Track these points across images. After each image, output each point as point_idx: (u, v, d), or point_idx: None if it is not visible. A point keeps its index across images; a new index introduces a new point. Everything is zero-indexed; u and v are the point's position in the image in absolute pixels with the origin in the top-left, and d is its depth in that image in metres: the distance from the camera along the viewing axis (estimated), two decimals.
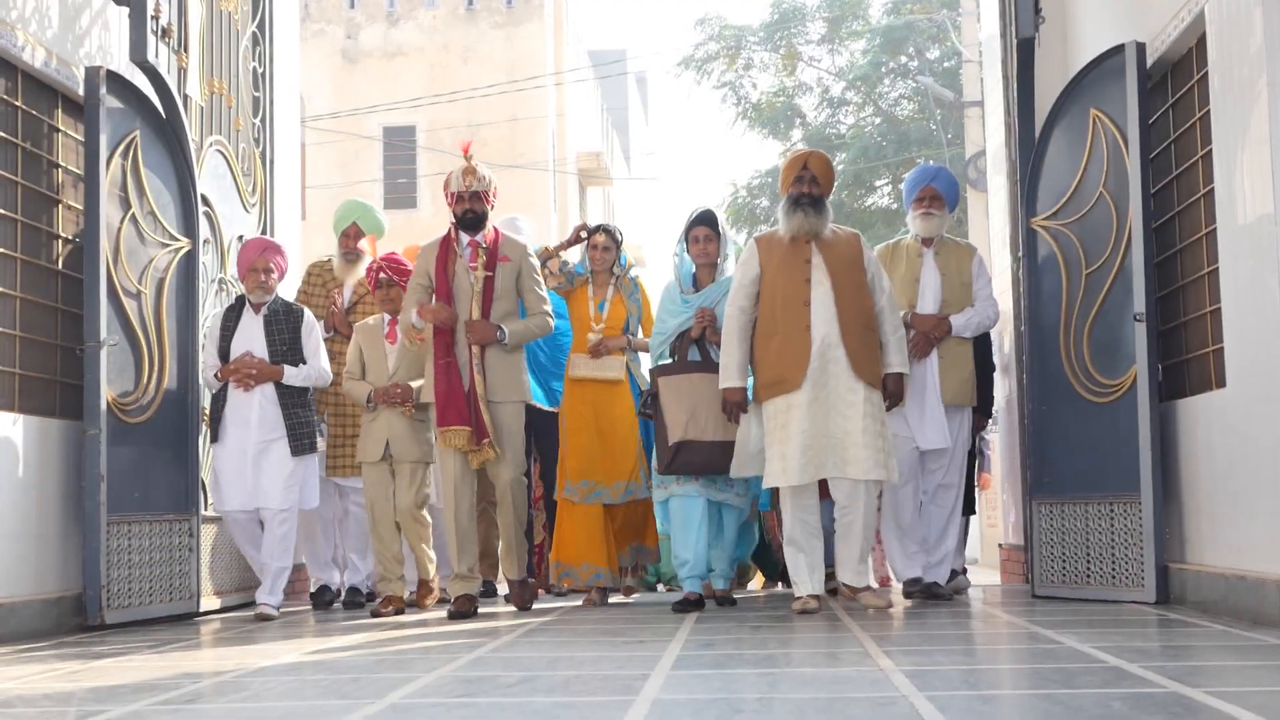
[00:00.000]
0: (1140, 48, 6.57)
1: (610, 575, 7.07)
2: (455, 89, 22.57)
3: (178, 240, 7.14)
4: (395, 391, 7.19)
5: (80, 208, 6.73)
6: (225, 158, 7.80)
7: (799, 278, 6.26)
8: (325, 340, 7.51)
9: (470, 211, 6.84)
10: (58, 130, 6.72)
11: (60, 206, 6.70)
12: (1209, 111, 6.03)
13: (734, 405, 6.34)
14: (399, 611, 7.04)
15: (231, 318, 7.16)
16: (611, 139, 31.53)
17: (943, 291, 7.03)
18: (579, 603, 7.32)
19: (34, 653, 5.43)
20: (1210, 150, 6.03)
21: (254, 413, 7.00)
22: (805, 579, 6.25)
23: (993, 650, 4.87)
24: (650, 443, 6.96)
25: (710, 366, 6.63)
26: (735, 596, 7.14)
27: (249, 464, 6.94)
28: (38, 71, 6.46)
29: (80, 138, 6.78)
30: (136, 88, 6.88)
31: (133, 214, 6.80)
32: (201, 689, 4.09)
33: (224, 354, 7.06)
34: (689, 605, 6.58)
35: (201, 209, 7.34)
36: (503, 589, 7.92)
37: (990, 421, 7.67)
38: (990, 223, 9.81)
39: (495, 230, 6.99)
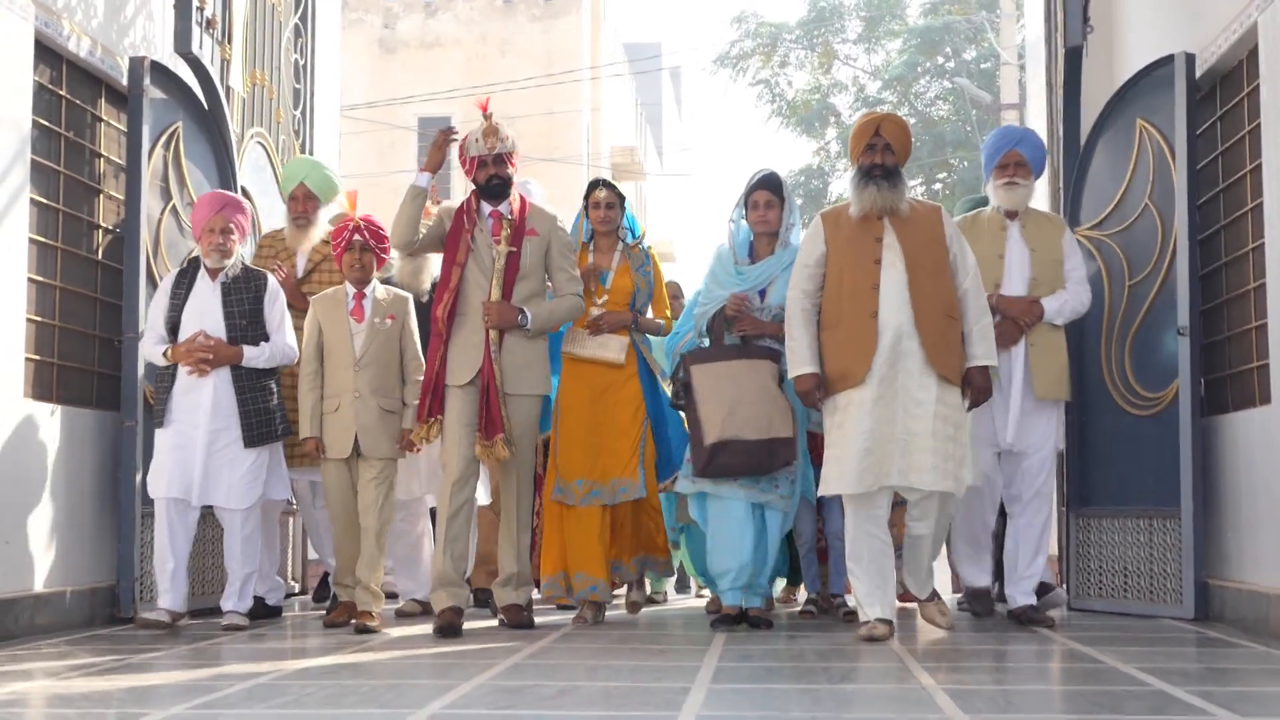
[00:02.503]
0: (1190, 58, 6.51)
1: (605, 588, 6.19)
2: (492, 81, 22.57)
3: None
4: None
5: (121, 198, 6.72)
6: (265, 150, 7.80)
7: (867, 259, 5.51)
8: None
9: (495, 178, 5.93)
10: (100, 120, 6.71)
11: (101, 196, 6.69)
12: (1259, 125, 5.97)
13: (809, 394, 5.53)
14: (352, 622, 6.09)
15: (183, 284, 6.17)
16: (645, 133, 31.51)
17: (1031, 269, 6.18)
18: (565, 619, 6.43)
19: (69, 647, 5.43)
20: (1260, 164, 5.97)
21: (205, 398, 6.03)
22: (872, 601, 5.47)
23: (1036, 669, 4.82)
24: (662, 435, 6.32)
25: (753, 352, 5.92)
26: (772, 618, 6.13)
27: (196, 454, 6.00)
28: (83, 61, 6.45)
29: (123, 128, 6.78)
30: (180, 78, 6.88)
31: (173, 205, 6.80)
32: (239, 693, 4.07)
33: (173, 326, 6.09)
34: (729, 621, 5.91)
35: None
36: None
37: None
38: None
39: (522, 199, 6.08)
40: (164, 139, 6.73)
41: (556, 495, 6.15)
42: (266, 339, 6.17)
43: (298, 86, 8.40)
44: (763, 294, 6.08)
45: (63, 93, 6.39)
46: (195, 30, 6.70)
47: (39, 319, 6.13)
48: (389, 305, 6.28)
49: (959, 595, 6.79)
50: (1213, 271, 6.58)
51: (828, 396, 5.50)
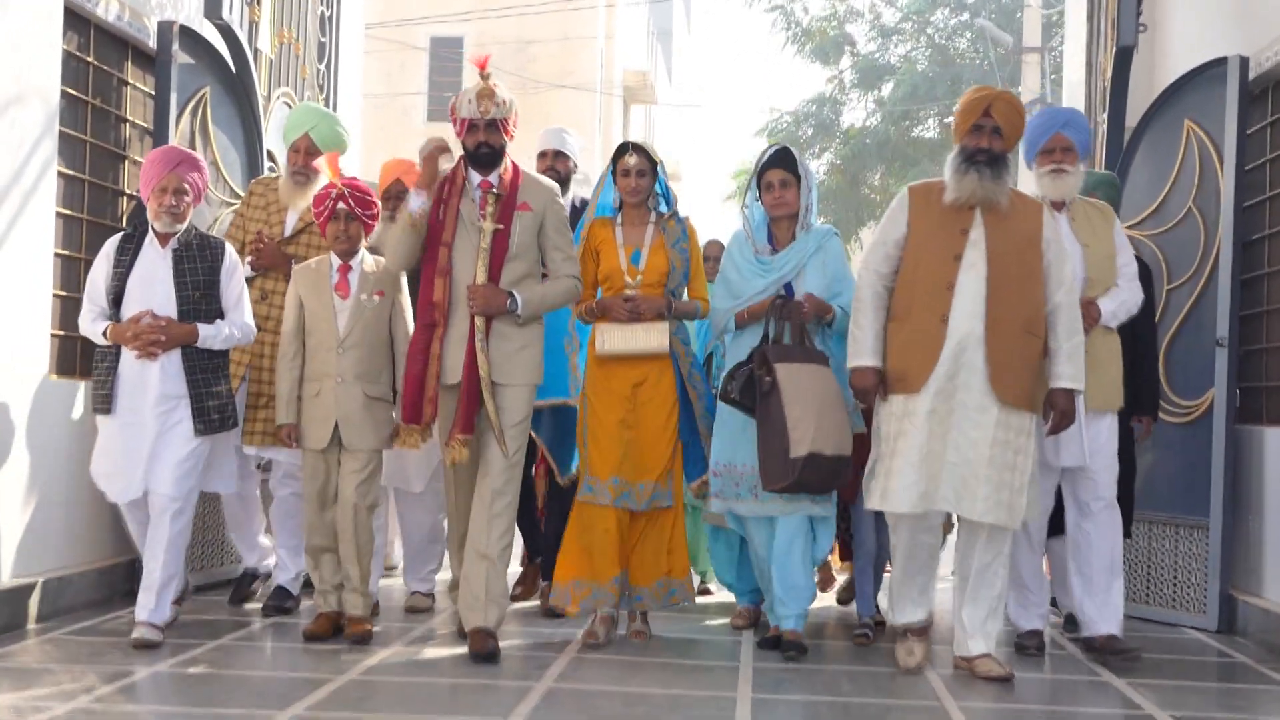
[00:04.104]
0: (1244, 62, 6.37)
1: (617, 598, 5.55)
2: (507, 2, 22.23)
3: (241, 199, 6.98)
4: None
5: None
6: (291, 109, 7.63)
7: (948, 252, 4.94)
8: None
9: (485, 145, 5.24)
10: (126, 83, 6.56)
11: (126, 163, 6.55)
12: None
13: (866, 391, 5.04)
14: (346, 634, 5.48)
15: (128, 250, 5.44)
16: (657, 55, 31.13)
17: (1085, 268, 5.45)
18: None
19: (105, 637, 5.36)
20: None
21: (153, 382, 5.33)
22: (907, 605, 5.14)
23: (1070, 713, 4.71)
24: (690, 431, 5.66)
25: (819, 355, 5.35)
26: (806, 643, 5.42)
27: (144, 444, 5.32)
28: (110, 25, 6.29)
29: (148, 90, 6.63)
30: (208, 42, 6.72)
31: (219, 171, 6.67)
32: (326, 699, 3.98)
33: (116, 297, 5.37)
34: (797, 649, 5.30)
35: (266, 165, 7.18)
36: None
37: (1152, 421, 6.18)
38: None
39: (514, 167, 5.38)
40: (192, 105, 6.59)
41: (586, 494, 5.54)
42: (221, 315, 5.49)
43: (323, 40, 8.21)
44: (789, 287, 5.51)
45: (90, 59, 6.24)
46: None
47: (64, 294, 6.02)
48: (377, 279, 5.59)
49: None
50: (1254, 279, 6.50)
51: (888, 395, 5.01)
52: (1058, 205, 5.53)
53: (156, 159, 5.46)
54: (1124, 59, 6.74)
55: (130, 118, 6.58)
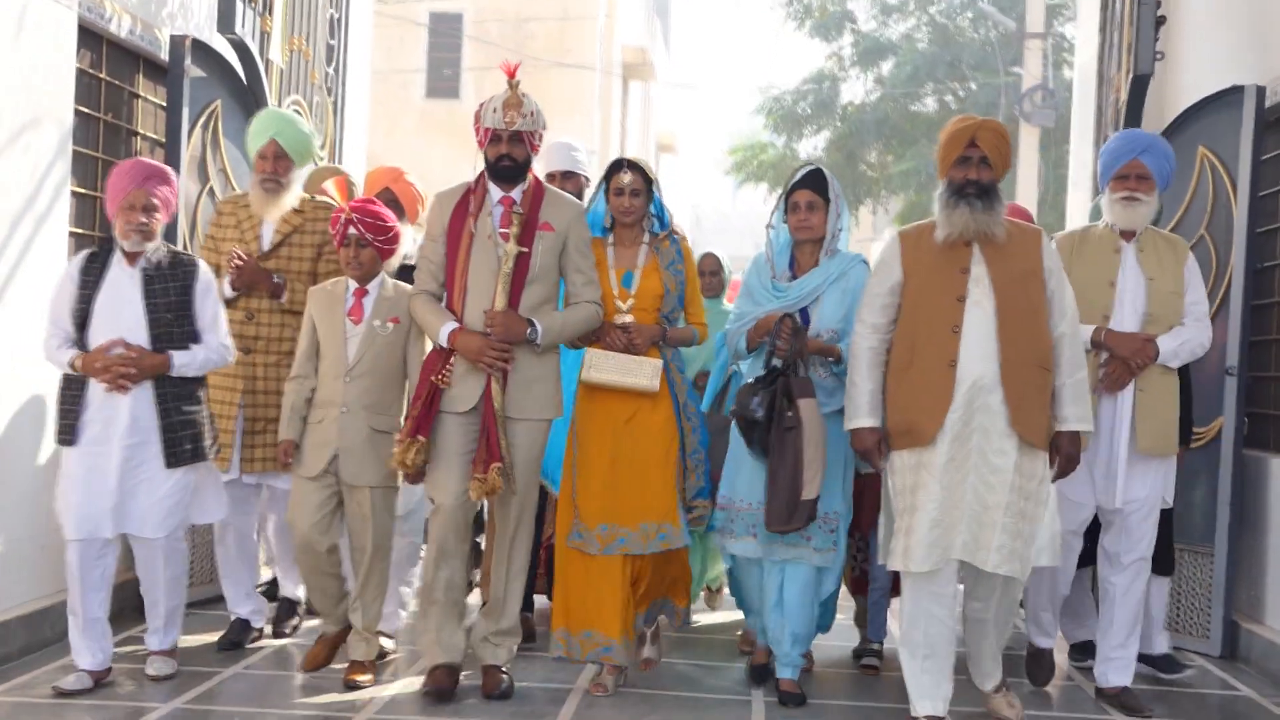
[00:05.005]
0: (1261, 91, 6.38)
1: (625, 649, 5.20)
2: None
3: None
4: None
5: None
6: (301, 116, 7.60)
7: (950, 294, 4.71)
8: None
9: (508, 159, 5.01)
10: (138, 96, 6.53)
11: None
12: None
13: (868, 452, 4.82)
14: (345, 679, 5.24)
15: (94, 270, 5.10)
16: (656, 31, 30.98)
17: (1147, 303, 5.28)
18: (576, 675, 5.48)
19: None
20: None
21: (123, 414, 5.00)
22: (923, 694, 4.78)
23: None
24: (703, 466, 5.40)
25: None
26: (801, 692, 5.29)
27: (109, 479, 4.99)
28: (123, 40, 6.26)
29: (159, 101, 6.60)
30: (220, 55, 6.68)
31: (210, 187, 6.63)
32: None
33: (82, 320, 5.04)
34: (795, 701, 5.21)
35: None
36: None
37: (1185, 450, 5.81)
38: None
39: (537, 183, 5.14)
40: (203, 119, 6.55)
41: (575, 542, 5.20)
42: (196, 339, 5.15)
43: (332, 42, 8.16)
44: (805, 314, 5.26)
45: (102, 75, 6.21)
46: (239, 7, 6.48)
47: None
48: (394, 305, 5.31)
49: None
50: (1264, 306, 6.52)
51: (894, 450, 4.78)
52: (1127, 235, 5.35)
53: (123, 173, 5.12)
54: (1140, 87, 6.73)
55: (141, 130, 6.55)
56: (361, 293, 5.31)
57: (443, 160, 19.44)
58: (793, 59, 68.98)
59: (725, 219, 47.21)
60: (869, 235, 31.83)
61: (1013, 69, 22.37)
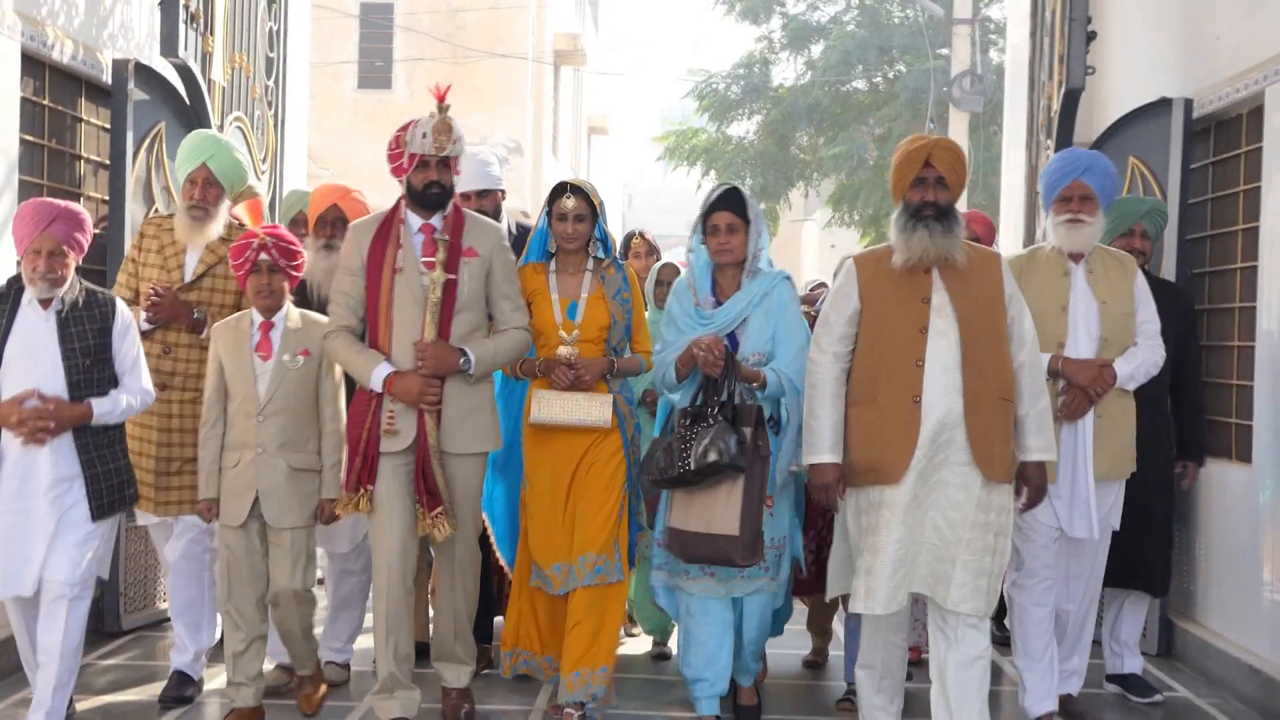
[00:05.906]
0: (1188, 103, 6.56)
1: (606, 689, 5.12)
2: None
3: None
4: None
5: (101, 197, 6.56)
6: (243, 132, 7.59)
7: (912, 326, 4.50)
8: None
9: (437, 186, 4.86)
10: (80, 120, 6.51)
11: (81, 200, 6.51)
12: (1259, 187, 6.02)
13: (826, 489, 4.56)
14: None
15: (3, 314, 4.71)
16: (586, 15, 30.94)
17: (1101, 326, 5.19)
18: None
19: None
20: (1256, 226, 6.05)
21: (43, 468, 4.67)
22: (880, 707, 4.75)
23: None
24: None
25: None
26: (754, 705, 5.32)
27: (37, 535, 4.66)
28: (65, 65, 6.25)
29: (102, 124, 6.59)
30: (162, 77, 6.68)
31: (155, 209, 6.63)
32: None
33: None
34: (752, 715, 5.25)
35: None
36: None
37: (1197, 467, 6.17)
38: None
39: (456, 209, 4.96)
40: (147, 142, 6.55)
41: (535, 581, 5.19)
42: (114, 382, 4.81)
43: (271, 55, 8.14)
44: (733, 338, 5.03)
45: (45, 102, 6.19)
46: (182, 30, 6.46)
47: None
48: (303, 337, 5.04)
49: None
50: (1196, 312, 6.65)
51: (853, 488, 4.56)
52: (1075, 257, 5.24)
53: (26, 216, 4.70)
54: (1071, 101, 6.89)
55: (84, 154, 6.54)
56: (267, 326, 5.04)
57: (375, 154, 19.19)
58: (723, 42, 68.77)
59: (656, 197, 47.39)
60: (800, 217, 32.03)
61: (940, 51, 22.59)
